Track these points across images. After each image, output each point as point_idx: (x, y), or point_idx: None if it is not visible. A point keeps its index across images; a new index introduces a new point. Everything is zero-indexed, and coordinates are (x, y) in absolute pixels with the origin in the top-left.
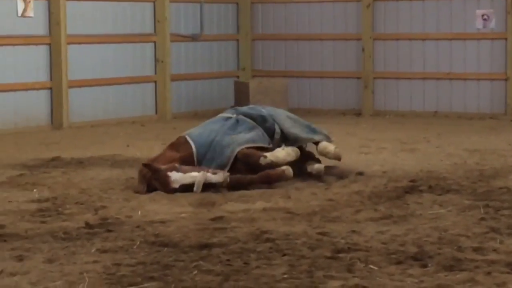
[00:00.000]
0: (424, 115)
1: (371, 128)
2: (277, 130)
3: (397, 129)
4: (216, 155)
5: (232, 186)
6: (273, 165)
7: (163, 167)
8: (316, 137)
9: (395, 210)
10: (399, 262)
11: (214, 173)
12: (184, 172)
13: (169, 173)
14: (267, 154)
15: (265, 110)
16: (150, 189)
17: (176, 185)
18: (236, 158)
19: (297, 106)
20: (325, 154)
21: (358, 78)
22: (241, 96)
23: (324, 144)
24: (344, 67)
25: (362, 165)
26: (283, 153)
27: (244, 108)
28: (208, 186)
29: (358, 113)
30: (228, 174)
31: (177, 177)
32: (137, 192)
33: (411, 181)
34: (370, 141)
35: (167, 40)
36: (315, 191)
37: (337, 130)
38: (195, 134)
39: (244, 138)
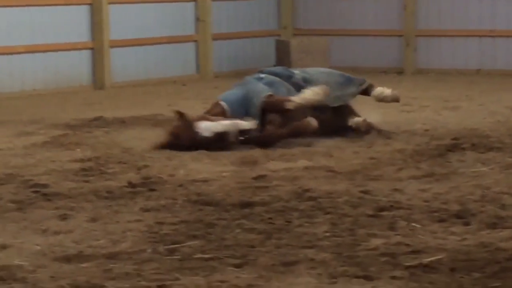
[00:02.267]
0: (467, 73)
1: (413, 87)
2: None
3: (439, 87)
4: (249, 106)
5: (264, 142)
6: (302, 107)
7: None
8: (353, 89)
9: (437, 168)
10: (441, 220)
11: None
12: (215, 121)
13: (199, 122)
14: (293, 97)
15: (294, 69)
16: (174, 141)
17: (207, 133)
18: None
19: (338, 64)
20: (382, 99)
21: (400, 36)
22: (282, 55)
23: (379, 90)
24: (386, 25)
25: (405, 124)
26: (310, 92)
27: (269, 68)
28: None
29: (400, 72)
30: (256, 122)
31: (207, 125)
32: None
33: (454, 139)
34: (412, 99)
35: None
36: (357, 150)
37: None
38: (225, 94)
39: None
